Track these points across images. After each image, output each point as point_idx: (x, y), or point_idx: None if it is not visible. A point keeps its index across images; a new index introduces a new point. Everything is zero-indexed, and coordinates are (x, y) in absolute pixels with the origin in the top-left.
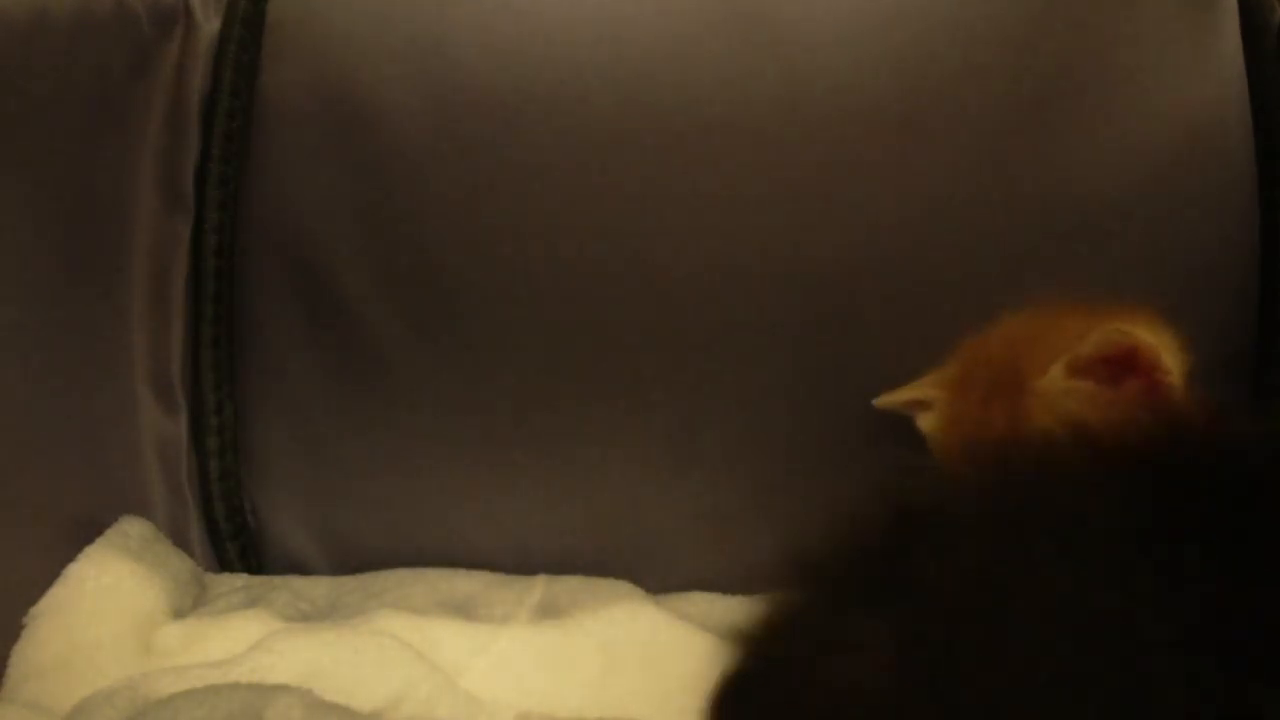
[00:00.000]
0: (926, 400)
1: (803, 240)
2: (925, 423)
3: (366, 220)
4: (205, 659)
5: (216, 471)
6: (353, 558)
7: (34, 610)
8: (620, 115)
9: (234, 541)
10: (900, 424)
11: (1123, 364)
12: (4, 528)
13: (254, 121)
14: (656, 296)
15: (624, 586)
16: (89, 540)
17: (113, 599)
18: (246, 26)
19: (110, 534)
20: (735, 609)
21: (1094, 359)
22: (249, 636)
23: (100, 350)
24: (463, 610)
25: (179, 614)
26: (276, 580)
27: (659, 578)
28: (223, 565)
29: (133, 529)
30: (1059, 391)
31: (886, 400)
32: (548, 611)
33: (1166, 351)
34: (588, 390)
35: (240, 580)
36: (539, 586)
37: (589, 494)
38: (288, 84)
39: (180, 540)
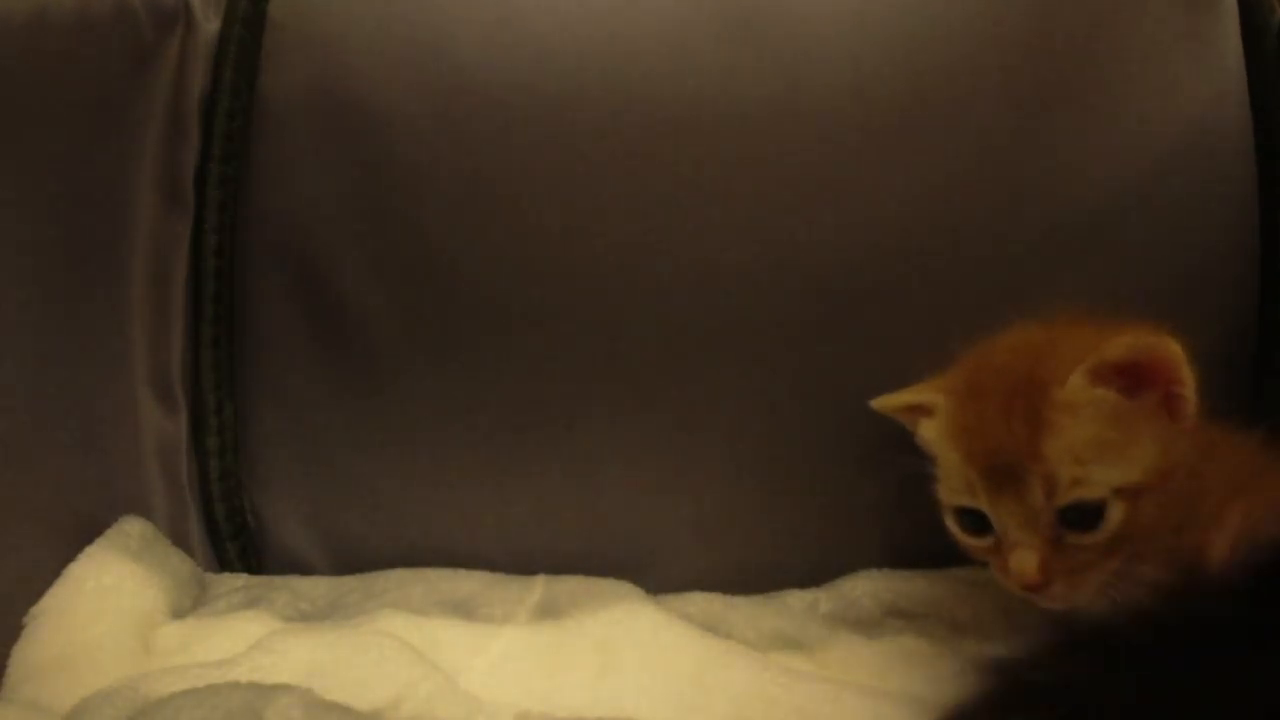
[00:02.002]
0: (927, 406)
1: (803, 240)
2: (926, 429)
3: (366, 220)
4: (205, 659)
5: (216, 471)
6: (353, 558)
7: (34, 610)
8: (620, 115)
9: (234, 541)
10: (900, 425)
11: (1141, 374)
12: (4, 528)
13: (254, 121)
14: (657, 296)
15: (624, 586)
16: (89, 540)
17: (113, 599)
18: (246, 26)
19: (110, 534)
20: (735, 609)
21: (1119, 365)
22: (249, 636)
23: (100, 350)
24: (463, 610)
25: (179, 614)
26: (276, 580)
27: (659, 578)
28: (223, 565)
29: (133, 529)
30: (1082, 401)
31: (884, 403)
32: (547, 611)
33: (1184, 363)
34: (588, 390)
35: (240, 580)
36: (539, 586)
37: (589, 494)
38: (288, 84)
39: (180, 540)
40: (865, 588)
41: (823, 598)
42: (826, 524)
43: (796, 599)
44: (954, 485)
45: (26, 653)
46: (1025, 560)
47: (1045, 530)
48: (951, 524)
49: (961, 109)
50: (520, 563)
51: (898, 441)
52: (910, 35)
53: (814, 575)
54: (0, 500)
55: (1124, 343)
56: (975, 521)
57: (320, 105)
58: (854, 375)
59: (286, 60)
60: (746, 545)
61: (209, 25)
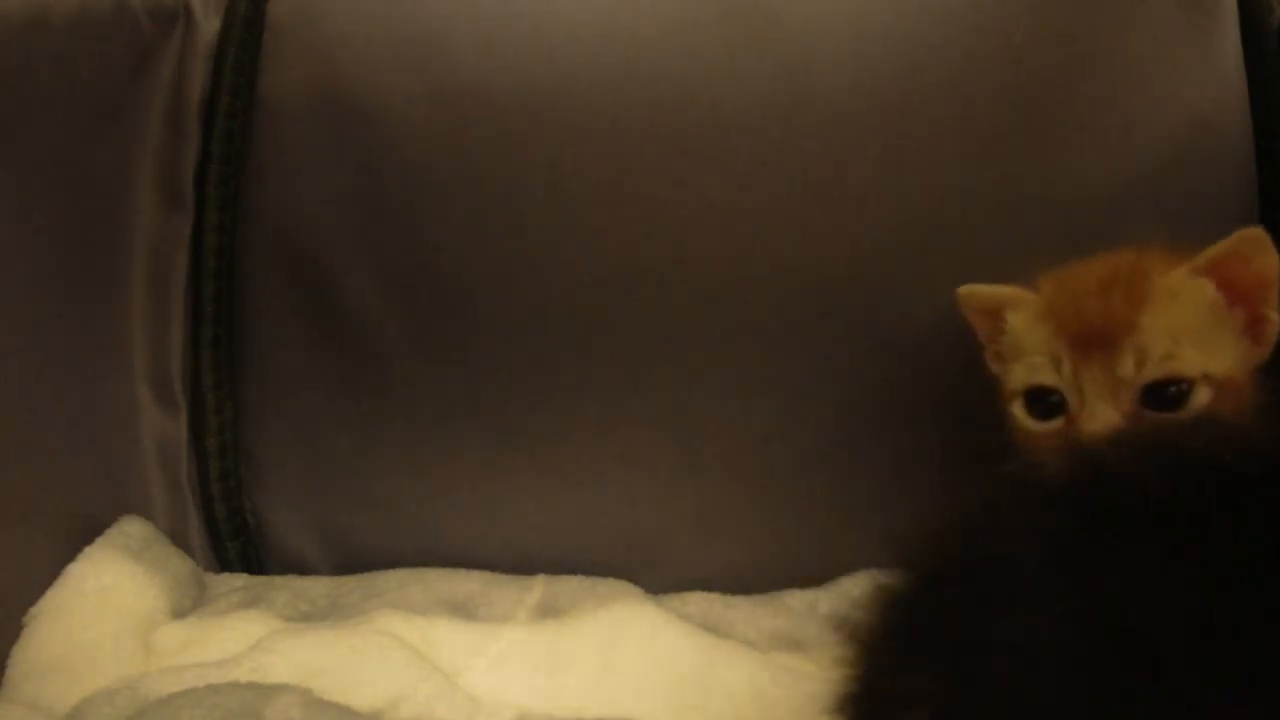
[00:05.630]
0: (1015, 299)
1: (803, 240)
2: (1013, 318)
3: (366, 220)
4: (205, 659)
5: (216, 471)
6: (353, 558)
7: (34, 610)
8: (620, 115)
9: (234, 541)
10: (899, 425)
11: (1234, 288)
12: (4, 528)
13: (254, 121)
14: (657, 296)
15: (624, 586)
16: (89, 540)
17: (113, 599)
18: (246, 26)
19: (110, 534)
20: (735, 609)
21: (1221, 263)
22: (249, 636)
23: (100, 350)
24: (463, 610)
25: (179, 614)
26: (276, 580)
27: (659, 578)
28: (223, 565)
29: (133, 529)
30: (1183, 289)
31: (971, 292)
32: (547, 611)
33: (1275, 285)
34: (588, 389)
35: (240, 580)
36: (539, 586)
37: (589, 494)
38: (288, 84)
39: (180, 540)
40: (865, 588)
41: (823, 598)
42: (826, 524)
43: (796, 599)
44: (1035, 362)
45: (26, 653)
46: (1106, 414)
47: (1126, 405)
48: (1018, 411)
49: (961, 110)
50: (520, 563)
51: (898, 441)
52: (912, 36)
53: (814, 575)
54: (0, 500)
55: (1233, 238)
56: (1047, 405)
57: (320, 105)
58: (854, 375)
59: (286, 60)
60: (746, 545)
61: (209, 25)
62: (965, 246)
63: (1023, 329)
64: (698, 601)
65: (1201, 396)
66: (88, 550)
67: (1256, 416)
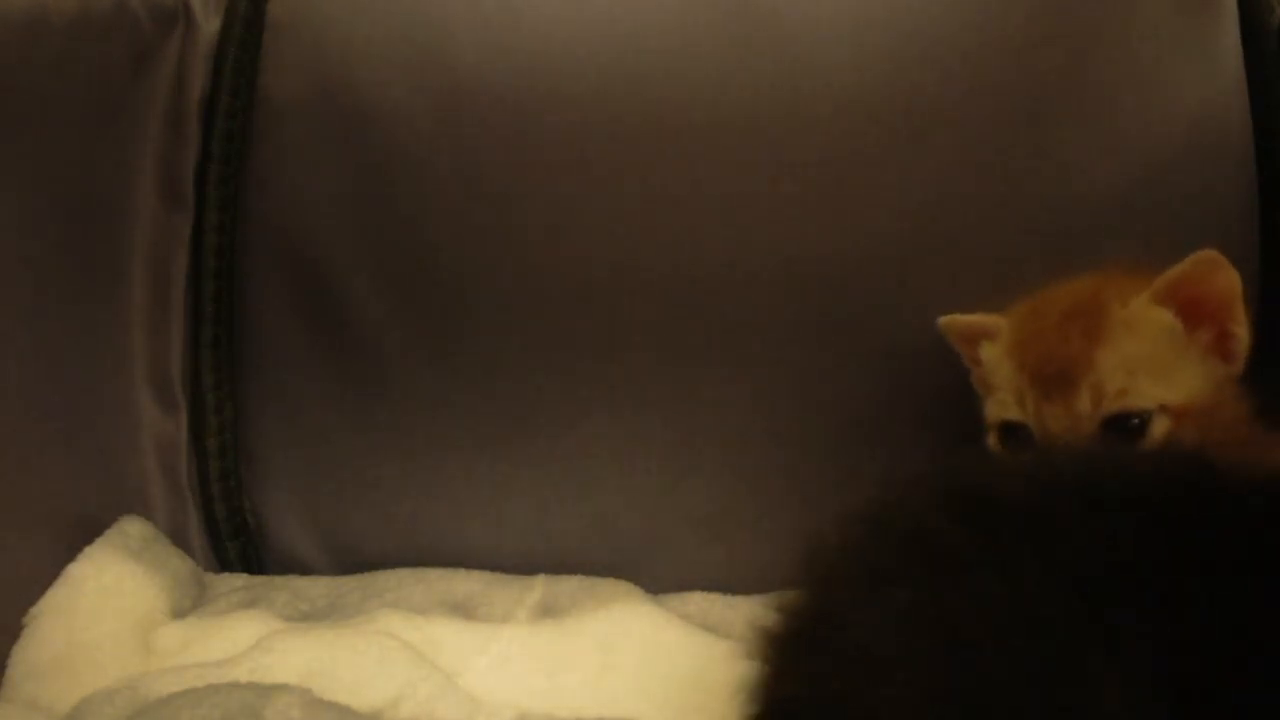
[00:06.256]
0: (991, 329)
1: (803, 240)
2: (987, 350)
3: (366, 220)
4: (205, 659)
5: (216, 471)
6: (353, 558)
7: (34, 610)
8: (620, 115)
9: (234, 541)
10: (900, 424)
11: (1199, 307)
12: (4, 528)
13: (254, 121)
14: (657, 296)
15: (624, 586)
16: (89, 540)
17: (113, 599)
18: (246, 26)
19: (110, 534)
20: (735, 609)
21: (1180, 285)
22: (249, 636)
23: (100, 350)
24: (463, 610)
25: (179, 614)
26: (276, 580)
27: (659, 578)
28: (223, 565)
29: (133, 529)
30: (1141, 319)
31: (951, 322)
32: (547, 611)
33: (1239, 297)
34: (587, 390)
35: (240, 580)
36: (539, 586)
37: (589, 494)
38: (288, 84)
39: (180, 540)
40: None
41: None
42: (826, 524)
43: None
44: (1004, 399)
45: (26, 653)
46: None
47: (1086, 440)
48: (994, 443)
49: (961, 109)
50: (520, 563)
51: (898, 440)
52: (912, 36)
53: None
54: (0, 500)
55: (1187, 261)
56: (1017, 438)
57: (320, 105)
58: (854, 375)
59: (286, 60)
60: (746, 545)
61: (209, 25)
62: (965, 246)
63: (993, 364)
64: (698, 601)
65: (1160, 426)
66: (88, 550)
67: (1252, 423)
